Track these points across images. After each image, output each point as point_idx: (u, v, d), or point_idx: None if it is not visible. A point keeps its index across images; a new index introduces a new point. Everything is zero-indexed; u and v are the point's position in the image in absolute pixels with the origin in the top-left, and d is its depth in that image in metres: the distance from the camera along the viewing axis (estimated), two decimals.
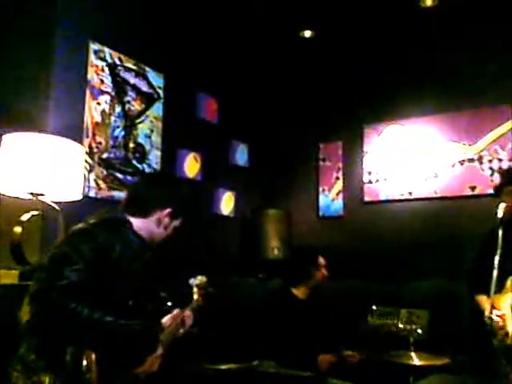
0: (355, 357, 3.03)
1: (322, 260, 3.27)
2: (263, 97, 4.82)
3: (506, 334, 2.52)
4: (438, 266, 3.80)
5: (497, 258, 2.56)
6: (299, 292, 3.20)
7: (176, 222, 2.07)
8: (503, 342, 2.51)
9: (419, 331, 2.92)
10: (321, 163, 4.70)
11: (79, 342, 1.66)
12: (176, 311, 1.99)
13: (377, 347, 3.04)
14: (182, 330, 2.00)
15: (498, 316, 2.55)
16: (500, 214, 2.70)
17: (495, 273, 2.53)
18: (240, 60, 4.56)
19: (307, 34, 4.52)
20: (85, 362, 1.62)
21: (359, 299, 3.85)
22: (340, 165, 4.60)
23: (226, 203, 4.29)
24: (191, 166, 3.93)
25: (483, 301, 2.74)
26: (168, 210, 2.01)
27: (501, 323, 2.54)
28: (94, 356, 1.63)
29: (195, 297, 2.19)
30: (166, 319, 1.92)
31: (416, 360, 2.74)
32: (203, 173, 4.03)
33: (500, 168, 3.83)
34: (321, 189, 4.66)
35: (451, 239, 3.87)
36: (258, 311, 3.20)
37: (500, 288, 2.58)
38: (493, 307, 2.57)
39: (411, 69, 4.31)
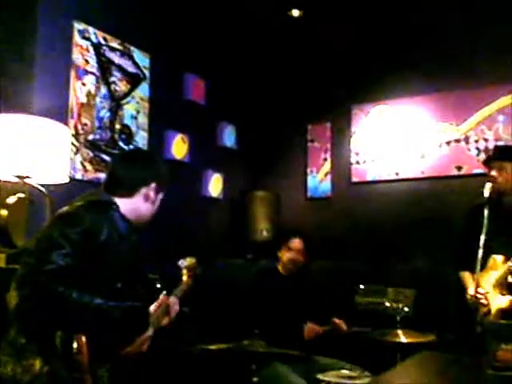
0: (342, 326, 3.06)
1: (295, 244, 3.18)
2: (251, 78, 4.79)
3: (489, 310, 2.59)
4: (425, 246, 3.85)
5: (482, 237, 2.61)
6: (281, 269, 3.23)
7: (160, 196, 2.06)
8: (485, 319, 2.57)
9: (406, 309, 2.97)
10: (309, 144, 4.70)
11: (69, 325, 1.66)
12: (161, 297, 1.98)
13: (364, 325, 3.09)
14: (167, 319, 1.98)
15: (481, 294, 2.61)
16: (486, 193, 2.74)
17: (480, 251, 2.58)
18: (227, 40, 4.50)
19: (295, 13, 4.47)
20: (75, 345, 1.62)
21: (347, 279, 3.90)
22: (328, 146, 4.60)
23: (215, 185, 4.28)
24: (179, 147, 3.90)
25: (466, 278, 2.79)
26: (154, 185, 2.00)
27: (483, 301, 2.60)
28: (84, 338, 1.64)
29: (184, 278, 2.19)
30: (151, 307, 1.92)
31: (403, 338, 2.79)
32: (191, 154, 4.01)
33: (486, 148, 3.86)
34: (309, 170, 4.67)
35: (438, 219, 3.91)
36: (247, 291, 3.23)
37: (483, 266, 2.63)
38: (477, 285, 2.63)
39: (399, 49, 4.29)
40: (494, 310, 2.55)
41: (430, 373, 2.00)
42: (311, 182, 4.65)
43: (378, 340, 2.86)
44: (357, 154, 4.43)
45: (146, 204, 2.00)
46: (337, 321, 3.06)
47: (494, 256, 2.63)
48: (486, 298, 2.59)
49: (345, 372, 2.74)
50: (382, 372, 1.92)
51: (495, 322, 2.41)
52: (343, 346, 3.11)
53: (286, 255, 3.19)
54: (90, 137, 3.25)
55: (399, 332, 2.83)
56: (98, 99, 3.31)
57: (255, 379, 2.56)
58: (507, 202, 2.78)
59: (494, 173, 2.77)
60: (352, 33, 4.47)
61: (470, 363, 2.03)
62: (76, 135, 3.13)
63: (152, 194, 2.00)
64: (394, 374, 1.94)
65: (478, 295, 2.59)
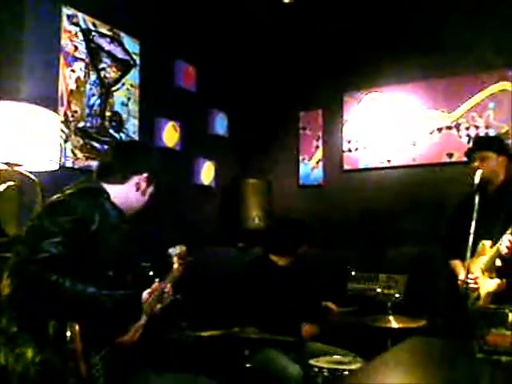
0: (334, 309, 3.13)
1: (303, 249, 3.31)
2: (242, 64, 4.75)
3: (478, 296, 2.62)
4: (416, 232, 3.87)
5: (473, 224, 2.63)
6: (281, 260, 3.23)
7: (151, 189, 2.07)
8: (475, 304, 2.61)
9: (397, 295, 3.00)
10: (301, 132, 4.69)
11: (62, 313, 1.66)
12: (155, 285, 1.99)
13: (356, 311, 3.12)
14: (159, 305, 2.00)
15: (471, 279, 2.65)
16: (477, 180, 2.77)
17: (471, 238, 2.61)
18: (218, 27, 4.45)
19: None
20: (69, 333, 1.62)
21: (339, 266, 3.93)
22: (320, 133, 4.59)
23: (206, 173, 4.26)
24: (170, 135, 3.87)
25: (457, 266, 2.83)
26: (145, 175, 2.01)
27: (474, 286, 2.64)
28: (77, 327, 1.63)
29: (175, 266, 2.20)
30: (144, 293, 1.92)
31: (394, 323, 2.82)
32: (182, 142, 3.98)
33: (477, 135, 3.87)
34: (301, 157, 4.66)
35: (429, 206, 3.93)
36: (239, 279, 3.24)
37: (473, 253, 2.66)
38: (468, 271, 2.66)
39: (390, 37, 4.27)
40: (483, 293, 2.59)
41: (420, 358, 2.02)
42: (303, 169, 4.65)
43: (369, 326, 2.88)
44: (349, 141, 4.43)
45: (137, 193, 2.00)
46: (331, 305, 3.13)
47: (484, 241, 2.66)
48: (476, 283, 2.63)
49: (337, 357, 2.78)
50: (374, 357, 1.93)
51: (485, 307, 2.44)
52: (335, 332, 3.14)
53: (303, 249, 3.27)
54: (81, 124, 3.22)
55: (390, 318, 2.86)
56: (87, 86, 3.28)
57: (248, 365, 2.58)
58: (491, 190, 2.82)
59: (476, 163, 2.81)
60: (343, 20, 4.44)
61: (460, 347, 2.06)
62: (66, 122, 3.10)
63: (143, 183, 2.01)
64: (385, 360, 1.96)
65: (469, 280, 2.62)
